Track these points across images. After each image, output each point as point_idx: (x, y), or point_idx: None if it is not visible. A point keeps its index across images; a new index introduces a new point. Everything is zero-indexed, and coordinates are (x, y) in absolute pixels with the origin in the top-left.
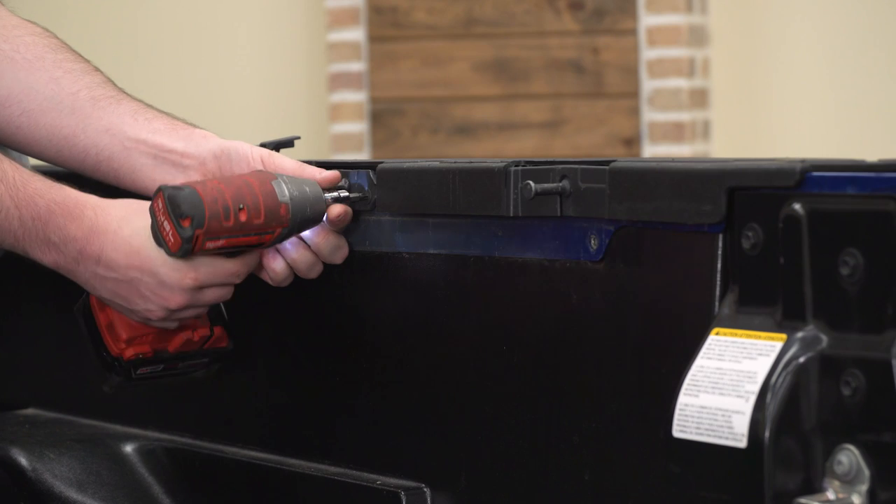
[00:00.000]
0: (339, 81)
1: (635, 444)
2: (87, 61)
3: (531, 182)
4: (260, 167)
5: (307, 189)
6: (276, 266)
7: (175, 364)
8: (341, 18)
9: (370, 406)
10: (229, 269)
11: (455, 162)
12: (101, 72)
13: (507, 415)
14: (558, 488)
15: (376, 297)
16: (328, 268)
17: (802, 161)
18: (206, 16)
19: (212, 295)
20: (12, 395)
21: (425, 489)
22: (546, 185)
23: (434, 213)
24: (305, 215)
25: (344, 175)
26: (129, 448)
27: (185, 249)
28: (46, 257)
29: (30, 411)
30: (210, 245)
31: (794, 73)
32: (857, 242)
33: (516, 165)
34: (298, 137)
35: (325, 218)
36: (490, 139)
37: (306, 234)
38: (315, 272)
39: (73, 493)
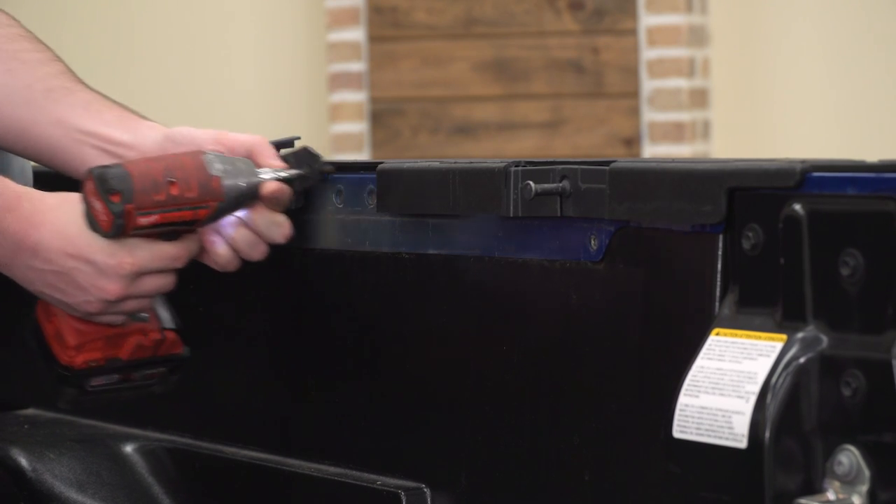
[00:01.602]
0: (339, 81)
1: (635, 444)
2: (48, 50)
3: (531, 182)
4: (212, 146)
5: (240, 164)
6: (217, 248)
7: (130, 374)
8: (341, 18)
9: (370, 406)
10: (168, 252)
11: (455, 162)
12: (61, 61)
13: (507, 415)
14: (558, 488)
15: (376, 298)
16: (329, 267)
17: (802, 161)
18: (206, 16)
19: (152, 283)
20: (12, 395)
21: (425, 489)
22: (546, 186)
23: (434, 213)
24: (240, 190)
25: (286, 158)
26: (129, 448)
27: (118, 226)
28: None
29: (30, 411)
30: (143, 221)
31: (795, 73)
32: (857, 243)
33: (516, 165)
34: (298, 137)
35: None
36: (490, 139)
37: (243, 212)
38: (258, 252)
39: (73, 493)
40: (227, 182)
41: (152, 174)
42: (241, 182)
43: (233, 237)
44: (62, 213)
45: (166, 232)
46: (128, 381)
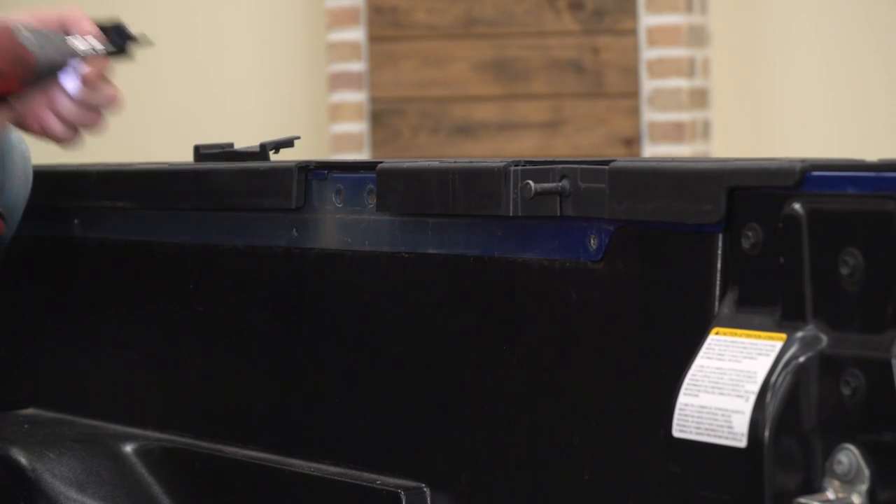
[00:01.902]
0: (339, 81)
1: (635, 444)
2: None
3: (531, 182)
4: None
5: (51, 35)
6: (50, 123)
7: None
8: (341, 18)
9: (370, 406)
10: None
11: (455, 162)
12: None
13: (507, 415)
14: (558, 488)
15: (376, 297)
16: (329, 267)
17: (802, 161)
18: (206, 16)
19: None
20: (12, 395)
21: (425, 489)
22: (546, 185)
23: (434, 213)
24: (52, 58)
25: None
26: (129, 448)
27: None
28: None
29: (30, 411)
30: None
31: (795, 73)
32: (856, 242)
33: (516, 165)
34: (298, 137)
35: (78, 70)
36: (490, 139)
37: (67, 86)
38: (92, 122)
39: (73, 493)
40: (38, 52)
41: None
42: (53, 53)
43: (62, 113)
44: None
45: None
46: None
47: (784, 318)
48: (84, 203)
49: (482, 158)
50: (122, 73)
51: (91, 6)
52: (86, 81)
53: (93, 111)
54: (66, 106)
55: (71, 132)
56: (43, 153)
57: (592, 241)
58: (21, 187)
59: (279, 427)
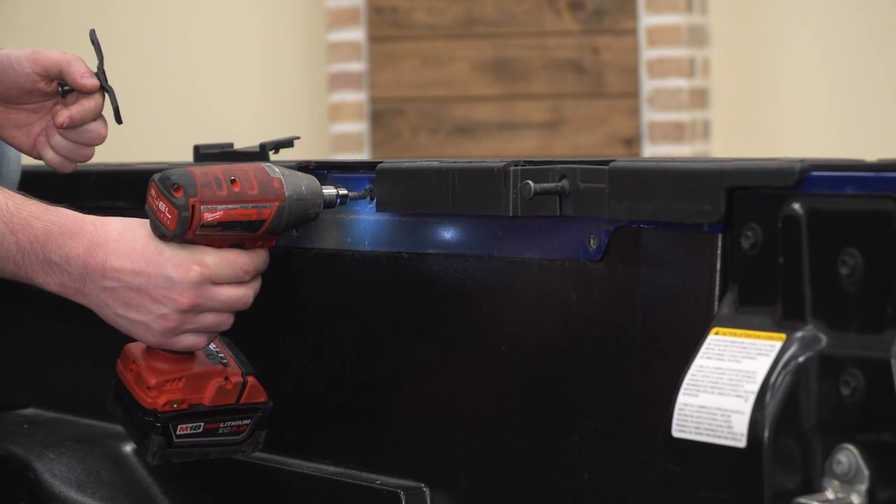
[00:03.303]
0: (339, 81)
1: (635, 444)
2: None
3: (530, 182)
4: (26, 62)
5: (300, 174)
6: (46, 153)
7: (215, 424)
8: (341, 18)
9: (370, 406)
10: (237, 259)
11: (455, 162)
12: None
13: (507, 415)
14: (558, 488)
15: (376, 297)
16: (328, 267)
17: (802, 161)
18: (206, 16)
19: (224, 293)
20: (12, 395)
21: (425, 489)
22: (545, 185)
23: (434, 213)
24: (301, 193)
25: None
26: (128, 448)
27: (183, 219)
28: (51, 280)
29: (30, 411)
30: (208, 216)
31: (794, 73)
32: (856, 242)
33: (516, 165)
34: (298, 137)
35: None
36: (490, 139)
37: (57, 122)
38: (84, 156)
39: (72, 493)
40: (289, 183)
41: (213, 172)
42: (303, 187)
43: (55, 144)
44: (126, 232)
45: (233, 237)
46: (213, 433)
47: (783, 318)
48: (84, 203)
49: (482, 158)
50: (123, 73)
51: (92, 6)
52: (72, 122)
53: (81, 147)
54: (56, 139)
55: (65, 162)
56: None
57: (592, 241)
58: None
59: (279, 427)
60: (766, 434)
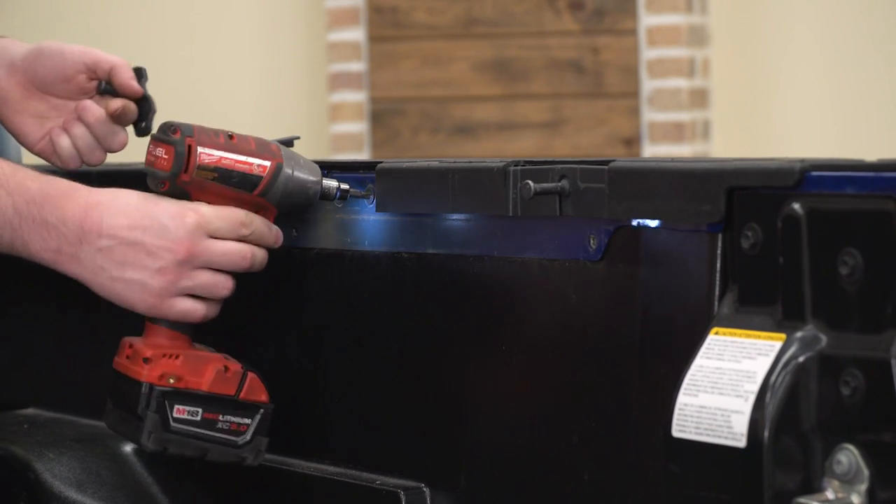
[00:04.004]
0: (339, 81)
1: (635, 444)
2: None
3: (530, 182)
4: (77, 52)
5: (303, 161)
6: (61, 141)
7: (214, 415)
8: (341, 18)
9: (370, 406)
10: (234, 212)
11: (455, 162)
12: None
13: (506, 415)
14: (558, 488)
15: (376, 297)
16: (328, 267)
17: (802, 161)
18: (206, 16)
19: (221, 247)
20: (12, 395)
21: (425, 489)
22: (545, 185)
23: (434, 213)
24: (300, 165)
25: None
26: (128, 448)
27: (179, 156)
28: (46, 246)
29: (30, 411)
30: (205, 157)
31: (794, 73)
32: (856, 242)
33: (516, 165)
34: (298, 137)
35: (110, 113)
36: (490, 139)
37: (86, 115)
38: (96, 158)
39: (72, 493)
40: (286, 151)
41: (210, 127)
42: (301, 159)
43: (76, 135)
44: (120, 194)
45: (230, 193)
46: (211, 425)
47: (783, 317)
48: None
49: (482, 158)
50: None
51: (92, 7)
52: (104, 119)
53: (100, 147)
54: (78, 127)
55: (76, 157)
56: None
57: (592, 241)
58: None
59: (279, 427)
60: (766, 434)
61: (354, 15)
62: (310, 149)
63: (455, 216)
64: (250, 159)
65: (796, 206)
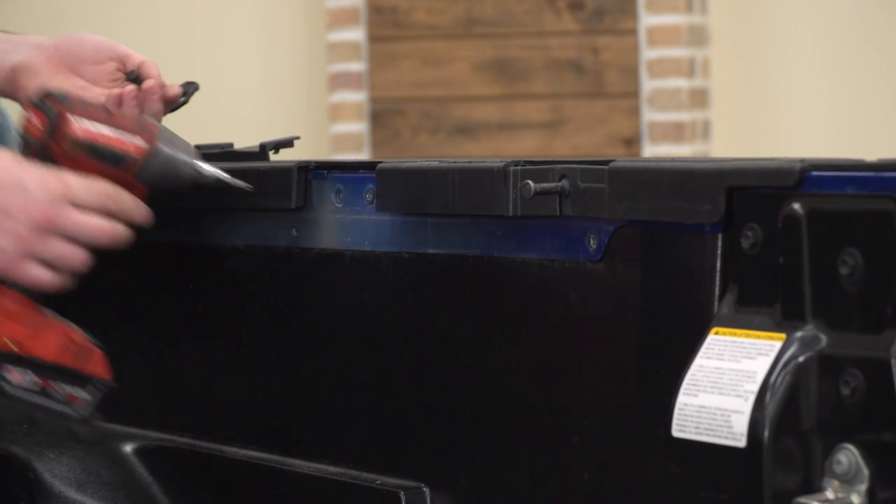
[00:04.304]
0: (339, 81)
1: (635, 444)
2: None
3: (530, 182)
4: (112, 47)
5: (180, 141)
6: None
7: (50, 382)
8: (341, 18)
9: (370, 406)
10: (103, 186)
11: (455, 162)
12: None
13: (506, 415)
14: (558, 488)
15: (376, 297)
16: (328, 267)
17: (802, 161)
18: (206, 16)
19: (83, 219)
20: None
21: (425, 489)
22: (545, 185)
23: (434, 213)
24: (176, 147)
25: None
26: (129, 448)
27: (51, 124)
28: None
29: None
30: (77, 130)
31: (794, 73)
32: (856, 242)
33: (516, 165)
34: (298, 137)
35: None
36: (490, 139)
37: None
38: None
39: (72, 493)
40: (164, 133)
41: (90, 101)
42: (178, 143)
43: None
44: None
45: (102, 169)
46: (47, 392)
47: (783, 317)
48: None
49: (482, 158)
50: None
51: (93, 7)
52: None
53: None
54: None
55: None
56: None
57: (592, 241)
58: None
59: (279, 427)
60: (766, 434)
61: (354, 15)
62: (310, 149)
63: (455, 216)
64: (125, 136)
65: (796, 206)
